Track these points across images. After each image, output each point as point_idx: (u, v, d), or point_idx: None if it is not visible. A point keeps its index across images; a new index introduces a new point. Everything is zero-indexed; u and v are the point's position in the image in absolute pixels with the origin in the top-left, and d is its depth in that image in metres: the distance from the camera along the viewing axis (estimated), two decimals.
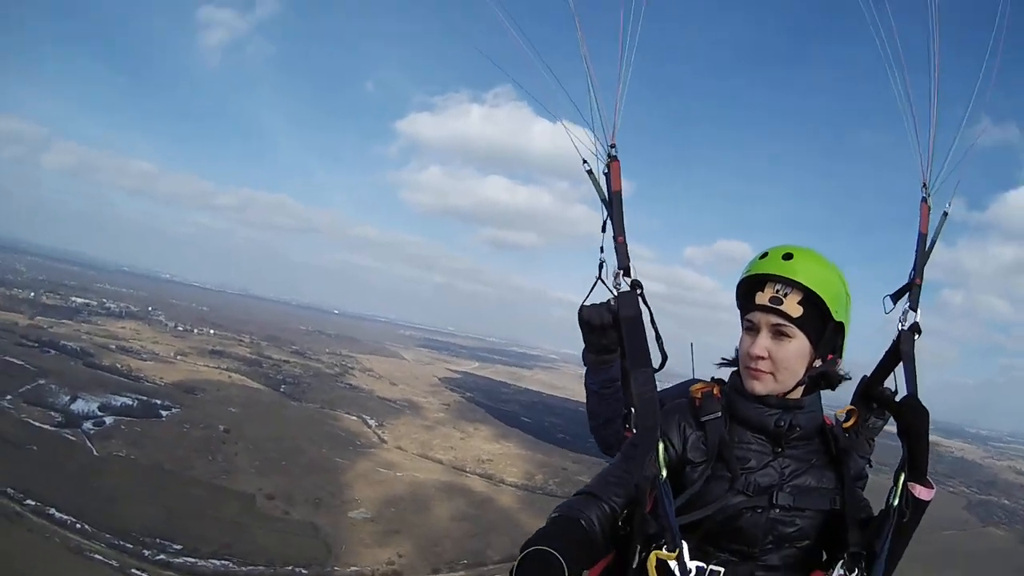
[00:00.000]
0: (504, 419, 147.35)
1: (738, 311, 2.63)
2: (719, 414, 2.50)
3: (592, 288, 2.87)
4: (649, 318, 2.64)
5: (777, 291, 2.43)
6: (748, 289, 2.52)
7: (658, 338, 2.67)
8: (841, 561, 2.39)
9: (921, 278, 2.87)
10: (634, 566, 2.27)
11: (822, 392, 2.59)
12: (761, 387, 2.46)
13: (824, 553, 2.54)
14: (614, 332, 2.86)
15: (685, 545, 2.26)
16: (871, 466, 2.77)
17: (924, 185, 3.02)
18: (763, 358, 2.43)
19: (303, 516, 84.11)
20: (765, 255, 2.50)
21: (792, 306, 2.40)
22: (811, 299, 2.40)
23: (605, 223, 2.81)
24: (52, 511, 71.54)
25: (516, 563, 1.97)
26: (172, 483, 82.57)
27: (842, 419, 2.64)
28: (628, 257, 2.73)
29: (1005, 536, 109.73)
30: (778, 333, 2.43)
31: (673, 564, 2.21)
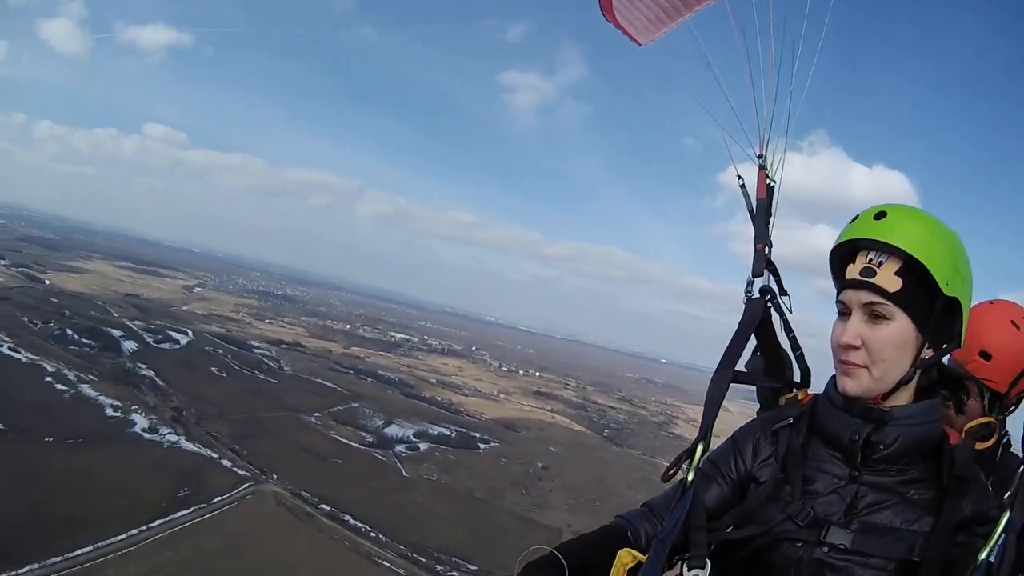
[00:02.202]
0: None
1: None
2: (791, 420, 2.11)
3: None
4: (784, 327, 2.45)
5: (870, 261, 1.91)
6: (840, 263, 2.02)
7: (794, 347, 2.38)
8: None
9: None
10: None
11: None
12: (854, 385, 1.92)
13: None
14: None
15: (666, 555, 1.86)
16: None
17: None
18: (855, 347, 1.90)
19: None
20: (856, 219, 2.01)
21: (888, 278, 1.88)
22: (913, 267, 1.86)
23: (755, 236, 2.70)
24: (347, 517, 77.80)
25: (525, 565, 1.86)
26: (480, 509, 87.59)
27: (975, 435, 1.99)
28: (764, 264, 2.54)
29: None
30: (873, 315, 1.90)
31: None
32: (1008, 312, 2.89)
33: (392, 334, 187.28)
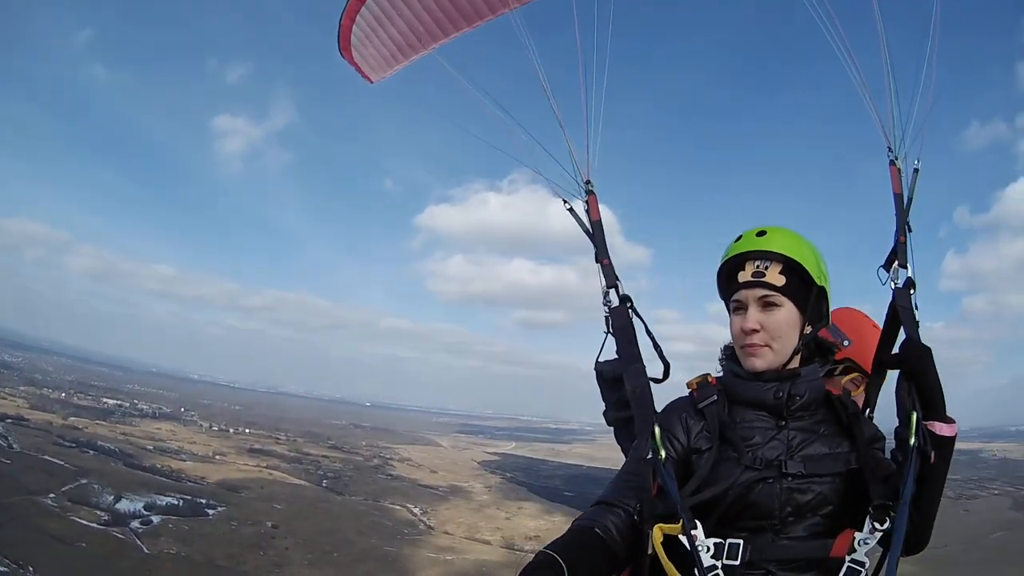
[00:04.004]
0: (547, 495, 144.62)
1: (723, 303, 2.74)
2: (715, 397, 2.54)
3: (603, 344, 3.04)
4: (644, 329, 2.88)
5: (758, 266, 2.50)
6: (729, 272, 2.60)
7: (656, 347, 2.85)
8: (869, 515, 2.32)
9: (905, 236, 3.03)
10: (649, 552, 2.25)
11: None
12: (761, 362, 2.50)
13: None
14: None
15: (692, 518, 2.26)
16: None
17: (889, 149, 3.23)
18: (756, 331, 2.48)
19: None
20: (739, 238, 2.60)
21: (775, 276, 2.48)
22: (792, 267, 2.48)
23: (597, 255, 3.15)
24: None
25: (523, 568, 2.01)
26: None
27: (850, 388, 2.79)
28: (615, 276, 3.04)
29: None
30: (766, 304, 2.49)
31: (684, 538, 2.21)
32: (852, 312, 3.48)
33: (105, 400, 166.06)
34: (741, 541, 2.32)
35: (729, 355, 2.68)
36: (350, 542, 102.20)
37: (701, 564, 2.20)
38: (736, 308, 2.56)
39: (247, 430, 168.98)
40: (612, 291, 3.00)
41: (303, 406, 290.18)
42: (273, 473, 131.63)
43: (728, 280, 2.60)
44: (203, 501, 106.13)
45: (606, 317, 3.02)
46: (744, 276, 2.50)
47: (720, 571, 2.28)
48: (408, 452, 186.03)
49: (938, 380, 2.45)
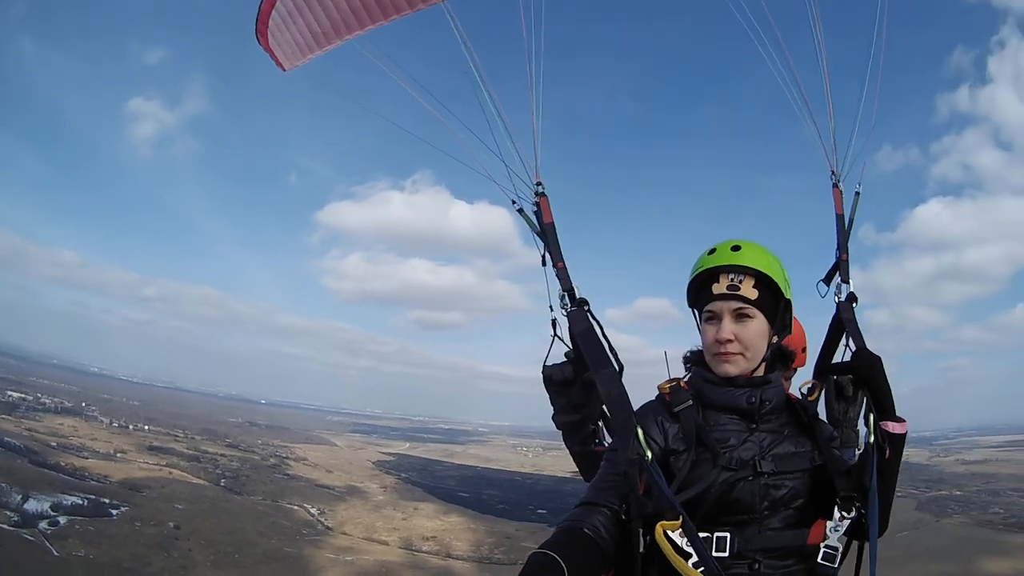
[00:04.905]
0: (443, 496, 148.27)
1: (691, 311, 2.88)
2: (690, 402, 2.65)
3: (550, 347, 3.14)
4: (600, 332, 2.92)
5: (732, 279, 2.64)
6: (703, 283, 2.74)
7: (611, 349, 2.88)
8: (836, 505, 2.55)
9: (847, 254, 3.30)
10: (642, 550, 2.36)
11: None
12: (733, 368, 2.65)
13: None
14: (577, 387, 3.18)
15: (688, 515, 2.32)
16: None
17: (833, 173, 3.50)
18: (731, 340, 2.62)
19: None
20: (713, 251, 2.74)
21: (748, 289, 2.63)
22: (763, 281, 2.65)
23: (544, 257, 3.13)
24: None
25: (522, 569, 2.03)
26: None
27: (806, 392, 2.91)
28: (570, 280, 3.05)
29: (962, 524, 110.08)
30: (740, 316, 2.64)
31: (676, 534, 2.28)
32: None
33: (9, 393, 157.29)
34: (728, 534, 2.49)
35: (696, 360, 2.85)
36: (252, 543, 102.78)
37: (708, 555, 2.32)
38: (709, 318, 2.72)
39: (146, 427, 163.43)
40: (568, 296, 3.01)
41: (200, 402, 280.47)
42: (173, 472, 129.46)
43: (700, 290, 2.76)
44: (107, 501, 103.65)
45: (552, 320, 3.14)
46: (719, 288, 2.66)
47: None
48: (304, 451, 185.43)
49: (888, 385, 2.75)
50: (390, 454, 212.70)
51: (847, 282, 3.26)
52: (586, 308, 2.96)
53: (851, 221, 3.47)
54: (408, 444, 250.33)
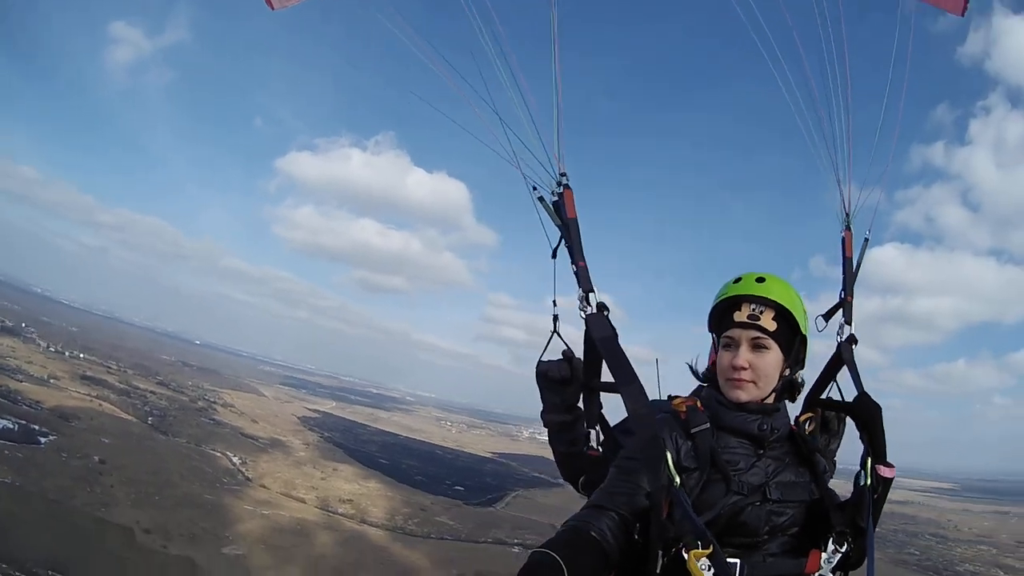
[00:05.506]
0: (363, 460, 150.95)
1: (710, 333, 3.01)
2: (707, 425, 2.69)
3: (548, 343, 3.12)
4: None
5: (753, 309, 2.74)
6: (725, 310, 2.83)
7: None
8: (831, 539, 2.66)
9: (852, 296, 3.39)
10: (658, 570, 2.37)
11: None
12: (745, 395, 2.74)
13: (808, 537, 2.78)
14: (573, 386, 3.12)
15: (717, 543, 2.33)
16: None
17: (847, 215, 3.59)
18: (745, 368, 2.72)
19: (180, 550, 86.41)
20: (739, 280, 2.84)
21: (768, 321, 2.72)
22: (783, 315, 2.75)
23: (555, 251, 3.01)
24: None
25: (522, 567, 2.02)
26: (57, 513, 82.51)
27: (805, 425, 2.98)
28: (590, 281, 2.89)
29: (877, 559, 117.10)
30: (757, 346, 2.74)
31: (704, 562, 2.27)
32: None
33: None
34: (738, 561, 2.53)
35: (709, 381, 2.95)
36: (172, 484, 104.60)
37: None
38: (727, 344, 2.81)
39: (82, 355, 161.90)
40: (588, 297, 2.86)
41: (136, 335, 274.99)
42: (103, 404, 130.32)
43: (722, 316, 2.85)
44: (36, 427, 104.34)
45: (554, 316, 3.08)
46: (740, 316, 2.75)
47: None
48: (232, 398, 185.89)
49: (884, 432, 2.83)
50: (316, 411, 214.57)
51: (849, 323, 3.32)
52: (606, 313, 2.85)
53: (859, 265, 3.56)
54: (335, 403, 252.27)
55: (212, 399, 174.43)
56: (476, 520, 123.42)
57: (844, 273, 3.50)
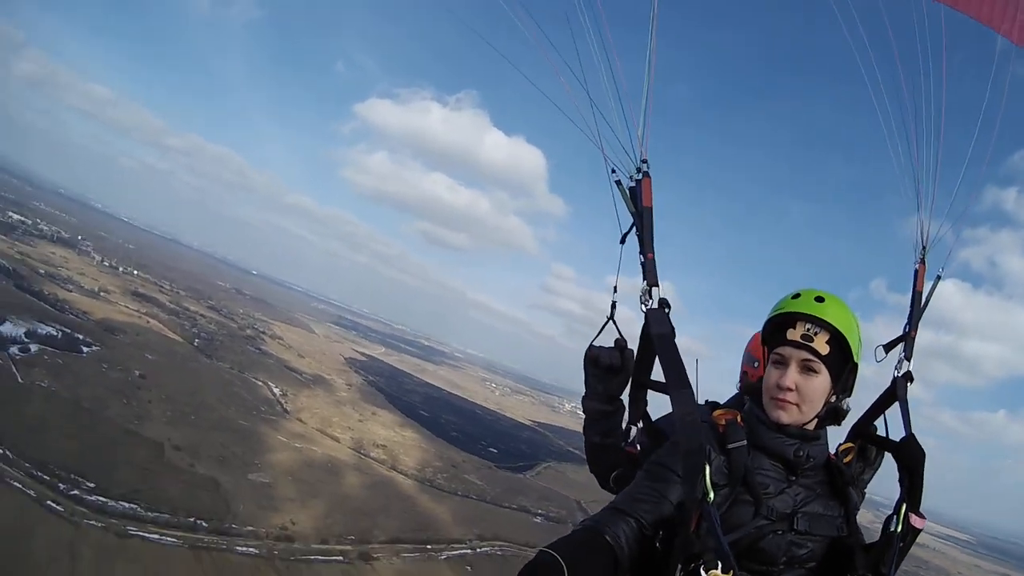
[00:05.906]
0: (403, 409, 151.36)
1: (761, 346, 2.86)
2: (744, 442, 2.60)
3: (602, 328, 3.00)
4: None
5: (808, 329, 2.60)
6: (779, 326, 2.68)
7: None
8: None
9: (916, 331, 3.31)
10: None
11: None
12: (787, 417, 2.61)
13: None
14: (620, 377, 3.03)
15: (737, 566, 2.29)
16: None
17: (923, 248, 3.53)
18: (791, 390, 2.59)
19: (207, 471, 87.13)
20: (797, 296, 2.69)
21: (821, 344, 2.58)
22: (837, 339, 2.61)
23: (624, 237, 2.87)
24: None
25: (525, 565, 2.02)
26: (89, 421, 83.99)
27: (843, 454, 2.91)
28: (657, 275, 2.75)
29: None
30: (806, 368, 2.60)
31: None
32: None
33: (10, 214, 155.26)
34: None
35: (752, 394, 2.83)
36: (209, 407, 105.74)
37: None
38: (776, 361, 2.67)
39: (135, 272, 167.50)
40: (652, 292, 2.73)
41: (193, 258, 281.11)
42: (151, 322, 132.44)
43: (775, 331, 2.70)
44: (80, 337, 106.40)
45: (612, 303, 3.02)
46: (793, 335, 2.62)
47: None
48: (281, 330, 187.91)
49: (923, 480, 2.78)
50: (364, 354, 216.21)
51: (909, 359, 3.23)
52: (667, 310, 2.73)
53: (927, 301, 3.48)
54: (384, 349, 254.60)
55: (261, 329, 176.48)
56: (504, 484, 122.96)
57: (912, 306, 3.40)
